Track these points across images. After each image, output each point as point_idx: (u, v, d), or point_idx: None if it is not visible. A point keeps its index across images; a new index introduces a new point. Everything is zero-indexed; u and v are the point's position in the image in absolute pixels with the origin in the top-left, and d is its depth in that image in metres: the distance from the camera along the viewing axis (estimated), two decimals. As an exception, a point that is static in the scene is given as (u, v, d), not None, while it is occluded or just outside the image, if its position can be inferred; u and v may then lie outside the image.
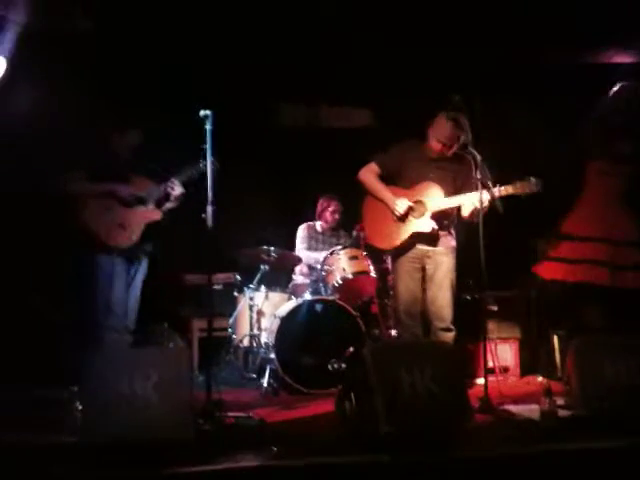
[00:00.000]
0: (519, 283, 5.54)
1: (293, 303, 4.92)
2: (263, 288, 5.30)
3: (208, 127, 3.73)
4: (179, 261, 5.65)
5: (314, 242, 5.86)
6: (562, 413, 3.43)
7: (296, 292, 5.43)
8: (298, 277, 5.78)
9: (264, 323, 5.17)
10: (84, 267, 4.41)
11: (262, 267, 5.31)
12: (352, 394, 3.28)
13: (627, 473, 2.96)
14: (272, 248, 5.20)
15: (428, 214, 4.42)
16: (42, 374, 4.42)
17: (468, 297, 5.08)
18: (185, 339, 5.50)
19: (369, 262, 5.09)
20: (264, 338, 5.05)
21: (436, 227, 4.43)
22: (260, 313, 5.22)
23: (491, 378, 4.11)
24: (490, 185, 4.10)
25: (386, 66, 5.78)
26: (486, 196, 4.10)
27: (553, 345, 5.16)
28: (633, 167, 4.76)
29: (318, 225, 5.94)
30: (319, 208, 5.92)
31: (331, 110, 6.64)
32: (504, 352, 5.32)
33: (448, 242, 4.56)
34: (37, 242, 4.92)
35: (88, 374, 3.12)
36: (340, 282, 4.99)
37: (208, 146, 3.76)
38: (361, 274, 5.04)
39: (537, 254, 5.24)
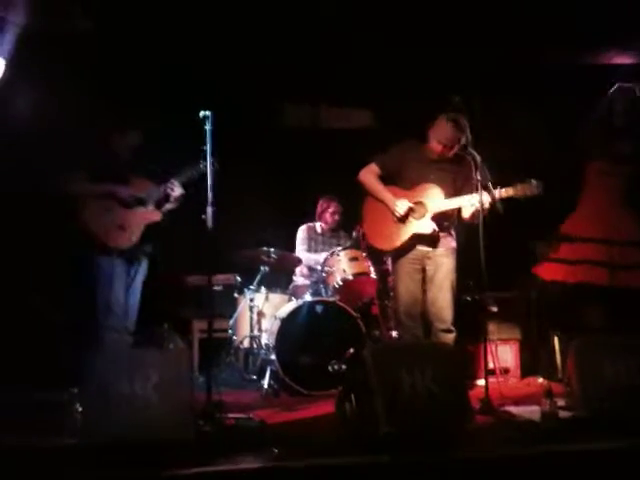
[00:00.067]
0: (519, 284, 5.53)
1: (293, 304, 4.91)
2: (263, 289, 5.29)
3: (208, 128, 3.73)
4: (179, 262, 5.65)
5: (314, 243, 5.86)
6: (563, 414, 3.43)
7: (296, 293, 5.43)
8: (298, 278, 5.78)
9: (264, 324, 5.17)
10: (84, 268, 4.41)
11: (262, 268, 5.31)
12: (352, 395, 3.28)
13: (628, 474, 2.96)
14: (272, 249, 5.20)
15: (428, 215, 4.42)
16: (42, 375, 4.41)
17: (468, 298, 5.08)
18: (185, 340, 5.49)
19: (369, 263, 5.09)
20: (264, 339, 5.04)
21: (436, 228, 4.43)
22: (260, 314, 5.22)
23: (491, 379, 4.10)
24: (490, 186, 4.10)
25: (386, 66, 5.78)
26: (486, 198, 4.10)
27: (553, 346, 5.16)
28: (633, 167, 4.76)
29: (318, 226, 5.93)
30: (319, 209, 5.91)
31: (331, 111, 6.64)
32: (504, 353, 5.31)
33: (448, 243, 4.55)
34: (37, 242, 4.91)
35: (88, 375, 3.11)
36: (340, 283, 4.99)
37: (208, 147, 3.76)
38: (361, 275, 5.04)
39: (537, 255, 5.24)
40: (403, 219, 4.48)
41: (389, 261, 5.12)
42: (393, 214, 4.49)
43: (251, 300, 5.18)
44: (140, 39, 5.31)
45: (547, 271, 5.03)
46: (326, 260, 5.16)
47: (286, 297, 5.35)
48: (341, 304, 4.89)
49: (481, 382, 4.45)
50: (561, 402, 3.50)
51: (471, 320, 4.72)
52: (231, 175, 4.16)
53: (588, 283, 4.75)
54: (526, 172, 4.21)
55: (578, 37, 5.42)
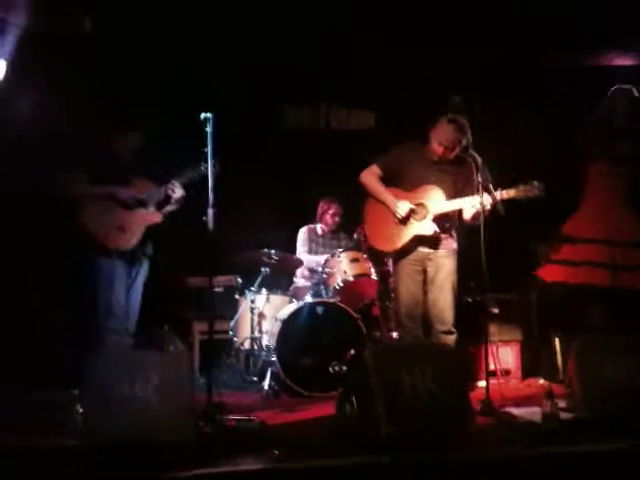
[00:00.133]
0: (520, 286, 5.53)
1: (294, 306, 4.91)
2: (264, 291, 5.29)
3: (209, 129, 3.73)
4: (180, 264, 5.65)
5: (315, 245, 5.86)
6: (564, 415, 3.43)
7: (297, 295, 5.43)
8: (299, 280, 5.78)
9: (265, 326, 5.17)
10: (85, 269, 4.41)
11: (263, 270, 5.30)
12: (353, 396, 3.28)
13: (629, 475, 2.96)
14: (273, 251, 5.20)
15: (430, 217, 4.42)
16: (43, 376, 4.41)
17: (469, 299, 5.08)
18: (186, 342, 5.49)
19: (370, 264, 5.09)
20: (265, 341, 5.04)
21: (438, 230, 4.42)
22: (261, 316, 5.22)
23: (492, 381, 4.09)
24: (491, 188, 4.10)
25: (387, 67, 5.79)
26: (487, 199, 4.10)
27: (554, 347, 5.15)
28: (634, 168, 4.76)
29: (319, 228, 5.93)
30: (319, 211, 5.91)
31: (332, 112, 6.64)
32: (505, 355, 5.31)
33: (449, 245, 4.55)
34: (38, 243, 4.91)
35: (89, 376, 3.11)
36: (341, 285, 4.99)
37: (209, 149, 3.76)
38: (362, 276, 5.05)
39: (538, 257, 5.23)
40: (404, 220, 4.48)
41: (390, 262, 5.12)
42: (394, 215, 4.49)
43: (252, 302, 5.18)
44: (141, 40, 5.33)
45: (548, 272, 5.02)
46: (327, 261, 5.17)
47: (287, 298, 5.35)
48: (342, 305, 4.89)
49: (482, 383, 4.45)
50: (562, 403, 3.50)
51: (472, 321, 4.72)
52: (232, 176, 4.17)
53: (590, 284, 4.74)
54: (527, 173, 4.21)
55: (579, 38, 5.43)
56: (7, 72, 4.57)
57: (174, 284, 5.74)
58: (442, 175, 4.46)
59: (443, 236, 4.51)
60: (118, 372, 3.11)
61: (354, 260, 5.06)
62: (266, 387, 4.65)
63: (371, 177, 4.63)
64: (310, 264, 5.68)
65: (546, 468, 2.96)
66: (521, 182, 4.15)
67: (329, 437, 3.41)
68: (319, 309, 4.86)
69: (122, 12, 5.01)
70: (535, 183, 4.11)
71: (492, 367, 4.86)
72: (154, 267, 4.63)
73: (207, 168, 3.78)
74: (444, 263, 4.50)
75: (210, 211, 3.68)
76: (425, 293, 4.54)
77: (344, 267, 5.02)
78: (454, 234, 4.60)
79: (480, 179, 4.08)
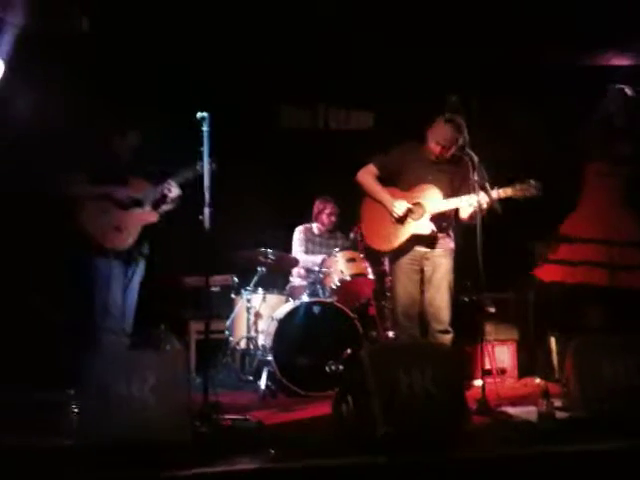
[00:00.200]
0: (517, 285, 5.54)
1: (291, 305, 4.91)
2: (260, 290, 5.29)
3: (205, 129, 3.73)
4: (177, 263, 5.65)
5: (311, 245, 5.85)
6: (560, 415, 3.43)
7: (293, 294, 5.42)
8: (295, 279, 5.77)
9: (261, 325, 5.16)
10: (82, 269, 4.41)
11: (259, 269, 5.30)
12: (350, 396, 3.28)
13: (626, 475, 2.96)
14: (270, 250, 5.20)
15: (427, 216, 4.42)
16: (39, 376, 4.41)
17: (466, 299, 5.08)
18: (182, 341, 5.48)
19: (367, 264, 5.09)
20: (261, 340, 5.04)
21: (435, 229, 4.43)
22: (257, 315, 5.21)
23: (489, 380, 4.10)
24: (487, 187, 4.11)
25: (385, 67, 5.79)
26: (484, 198, 4.11)
27: (550, 347, 5.16)
28: (632, 168, 4.76)
29: (315, 227, 5.93)
30: (315, 210, 5.91)
31: (329, 112, 6.64)
32: (502, 354, 5.32)
33: (446, 244, 4.56)
34: (37, 243, 4.91)
35: (85, 376, 3.11)
36: (338, 284, 4.99)
37: (205, 148, 3.76)
38: (359, 276, 5.04)
39: (535, 256, 5.24)
40: (401, 220, 4.48)
41: (386, 262, 5.13)
42: (391, 215, 4.50)
43: (248, 301, 5.18)
44: (138, 40, 5.32)
45: (546, 272, 5.02)
46: (323, 261, 5.17)
47: (283, 298, 5.34)
48: (338, 305, 4.89)
49: (478, 382, 4.45)
50: (558, 403, 3.50)
51: (468, 321, 4.73)
52: (229, 176, 4.16)
53: (587, 284, 4.73)
54: (524, 172, 4.22)
55: (577, 38, 5.43)
56: (5, 72, 4.56)
57: (170, 283, 5.74)
58: (439, 174, 4.46)
59: (440, 235, 4.51)
60: (115, 372, 3.10)
61: (351, 260, 5.06)
62: (262, 387, 4.65)
63: (368, 176, 4.64)
64: (307, 264, 5.67)
65: (542, 467, 2.96)
66: (518, 181, 4.15)
67: (325, 437, 3.40)
68: (316, 308, 4.86)
69: (119, 12, 5.00)
70: (532, 182, 4.12)
71: (488, 366, 4.87)
72: (150, 266, 4.63)
73: (203, 167, 3.77)
74: (441, 262, 4.51)
75: (206, 210, 3.68)
76: (422, 292, 4.54)
77: (341, 267, 5.02)
78: (451, 233, 4.60)
79: (477, 178, 4.09)
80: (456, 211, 4.47)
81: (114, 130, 4.51)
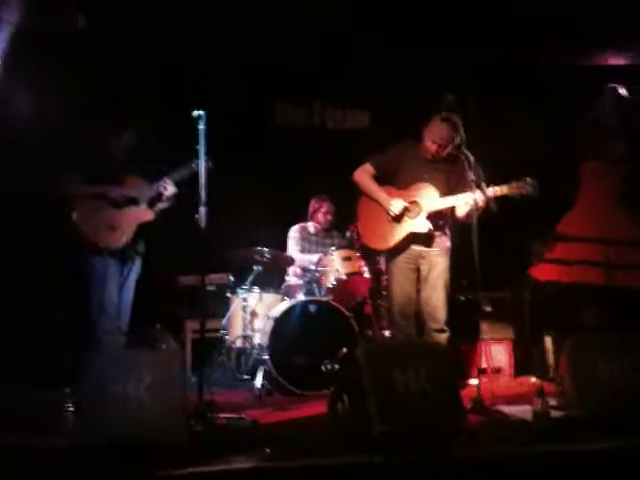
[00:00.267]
0: (513, 284, 5.54)
1: (286, 304, 4.91)
2: (256, 289, 5.28)
3: (201, 127, 3.72)
4: (172, 262, 5.63)
5: (307, 244, 5.84)
6: (555, 414, 3.43)
7: (289, 293, 5.42)
8: (291, 278, 5.76)
9: (257, 324, 5.16)
10: (77, 268, 4.40)
11: (255, 268, 5.29)
12: (345, 395, 3.28)
13: (621, 474, 2.96)
14: (265, 249, 5.19)
15: (423, 214, 4.42)
16: (35, 375, 4.40)
17: (462, 298, 5.09)
18: (178, 340, 5.48)
19: (363, 263, 5.09)
20: (257, 339, 5.03)
21: (432, 227, 4.43)
22: (253, 314, 5.20)
23: (484, 379, 4.10)
24: (483, 186, 4.11)
25: (381, 66, 5.79)
26: (481, 196, 4.11)
27: (546, 346, 5.17)
28: (628, 167, 4.77)
29: (311, 226, 5.92)
30: (311, 209, 5.90)
31: (325, 110, 6.64)
32: (497, 353, 5.31)
33: (443, 243, 4.56)
34: (34, 243, 4.90)
35: (81, 376, 3.10)
36: (334, 283, 4.99)
37: (201, 146, 3.75)
38: (355, 275, 5.05)
39: (532, 255, 5.24)
40: (398, 218, 4.49)
41: (382, 260, 5.13)
42: (388, 213, 4.50)
43: (244, 300, 5.17)
44: (134, 38, 5.31)
45: (542, 271, 5.03)
46: (320, 260, 5.16)
47: (279, 297, 5.34)
48: (334, 304, 4.89)
49: (474, 381, 4.45)
50: (553, 402, 3.50)
51: (464, 320, 4.73)
52: (224, 174, 4.15)
53: (583, 283, 4.75)
54: (521, 171, 4.22)
55: (573, 38, 5.43)
56: (0, 70, 4.55)
57: (166, 282, 5.72)
58: (436, 173, 4.47)
59: (437, 234, 4.51)
60: (111, 371, 3.10)
61: (347, 258, 5.06)
62: (258, 385, 4.64)
63: (364, 176, 4.64)
64: (303, 263, 5.66)
65: (537, 466, 2.96)
66: (514, 179, 4.16)
67: (321, 436, 3.40)
68: (311, 307, 4.86)
69: (116, 9, 4.99)
70: (528, 180, 4.13)
71: (484, 365, 4.87)
72: (146, 265, 4.62)
73: (199, 165, 3.77)
74: (437, 261, 4.51)
75: (202, 209, 3.67)
76: (418, 291, 4.55)
77: (337, 265, 5.01)
78: (447, 232, 4.60)
79: (473, 177, 4.09)
80: (452, 209, 4.47)
81: (109, 129, 4.50)
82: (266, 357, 4.67)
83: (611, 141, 4.85)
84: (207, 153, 3.78)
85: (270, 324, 4.80)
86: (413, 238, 4.48)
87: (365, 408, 3.06)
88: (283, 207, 6.05)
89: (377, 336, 5.38)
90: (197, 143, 3.75)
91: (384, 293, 5.27)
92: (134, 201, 4.44)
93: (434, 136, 4.40)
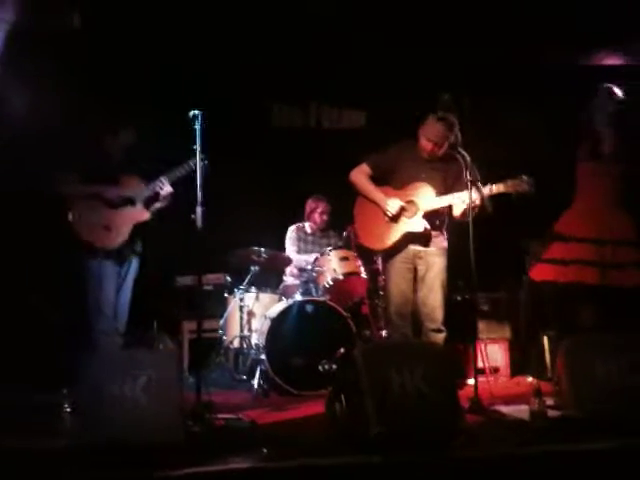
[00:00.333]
0: (509, 284, 5.55)
1: (284, 304, 4.91)
2: (253, 289, 5.28)
3: (197, 127, 3.72)
4: (169, 262, 5.62)
5: (303, 244, 5.84)
6: (552, 413, 3.44)
7: (287, 293, 5.41)
8: (288, 278, 5.76)
9: (254, 324, 5.15)
10: (74, 268, 4.39)
11: (252, 268, 5.29)
12: (342, 395, 3.27)
13: (617, 474, 2.96)
14: (263, 249, 5.19)
15: (420, 214, 4.43)
16: (32, 376, 4.38)
17: (459, 298, 5.09)
18: (175, 341, 5.48)
19: (360, 263, 5.09)
20: (254, 339, 5.03)
21: (428, 226, 4.44)
22: (250, 314, 5.20)
23: (481, 378, 4.11)
24: (480, 185, 4.11)
25: (378, 66, 5.79)
26: (476, 195, 4.11)
27: (543, 346, 5.17)
28: (623, 167, 4.77)
29: (307, 226, 5.92)
30: (307, 209, 5.89)
31: (323, 111, 6.63)
32: (494, 352, 5.32)
33: (440, 243, 4.56)
34: (32, 243, 4.88)
35: (78, 377, 3.10)
36: (331, 283, 4.98)
37: (197, 146, 3.75)
38: (352, 275, 5.04)
39: (530, 255, 5.25)
40: (395, 218, 4.49)
41: (379, 260, 5.13)
42: (385, 213, 4.50)
43: (241, 300, 5.16)
44: (130, 37, 5.29)
45: (538, 272, 5.03)
46: (316, 260, 5.16)
47: (276, 297, 5.33)
48: (331, 304, 4.89)
49: (471, 381, 4.45)
50: (550, 401, 3.51)
51: (461, 319, 4.73)
52: (221, 174, 4.15)
53: (579, 283, 4.75)
54: (517, 170, 4.22)
55: (569, 37, 5.44)
56: (-5, 68, 4.54)
57: (163, 282, 5.71)
58: (432, 172, 4.47)
59: (434, 234, 4.52)
60: (108, 372, 3.10)
61: (344, 258, 5.05)
62: (255, 386, 4.64)
63: (361, 176, 4.64)
64: (300, 263, 5.66)
65: (534, 466, 2.96)
66: (510, 177, 4.16)
67: (318, 436, 3.40)
68: (308, 307, 4.86)
69: (112, 8, 4.98)
70: (524, 177, 4.14)
71: (481, 365, 4.88)
72: (143, 265, 4.62)
73: (195, 164, 3.76)
74: (434, 261, 4.51)
75: (199, 209, 3.67)
76: (415, 291, 4.55)
77: (334, 265, 5.01)
78: (445, 232, 4.61)
79: (469, 177, 4.09)
80: (450, 209, 4.47)
81: (106, 129, 4.49)
82: (263, 357, 4.67)
83: (606, 141, 4.85)
84: (203, 152, 3.78)
85: (267, 324, 4.79)
86: (410, 238, 4.48)
87: (362, 408, 3.05)
88: (280, 207, 6.04)
89: (374, 336, 5.38)
90: (193, 143, 3.75)
91: (381, 293, 5.27)
92: (130, 201, 4.43)
93: (429, 134, 4.40)
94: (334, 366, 4.55)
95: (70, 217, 4.28)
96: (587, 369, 3.39)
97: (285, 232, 5.88)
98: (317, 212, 5.84)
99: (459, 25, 5.30)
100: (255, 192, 5.84)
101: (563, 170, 4.93)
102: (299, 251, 5.78)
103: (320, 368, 4.60)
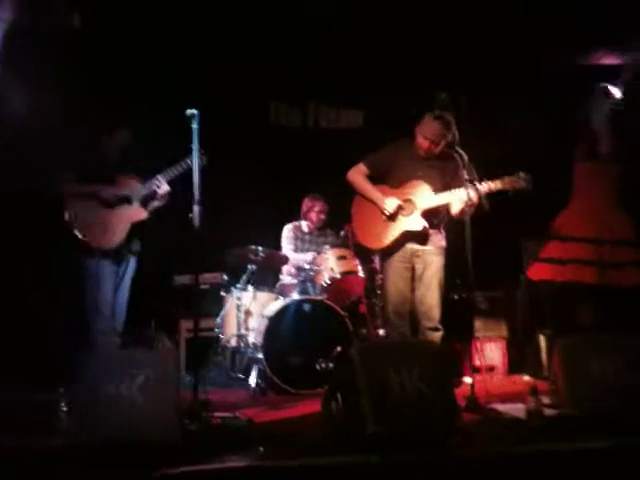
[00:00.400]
0: (507, 283, 5.55)
1: (281, 303, 4.91)
2: (251, 288, 5.28)
3: (195, 126, 3.72)
4: (166, 261, 5.63)
5: (300, 243, 5.84)
6: (548, 412, 3.44)
7: (284, 292, 5.42)
8: (286, 277, 5.76)
9: (252, 323, 5.16)
10: (71, 268, 4.40)
11: (250, 267, 5.29)
12: (339, 394, 3.28)
13: (614, 473, 2.97)
14: (260, 248, 5.19)
15: (418, 212, 4.43)
16: (29, 375, 4.39)
17: (456, 296, 5.09)
18: (172, 339, 5.48)
19: (357, 262, 5.09)
20: (252, 338, 5.03)
21: (426, 225, 4.44)
22: (248, 313, 5.20)
23: (478, 377, 4.11)
24: (477, 183, 4.12)
25: (376, 65, 5.79)
26: (474, 192, 4.11)
27: (539, 344, 5.18)
28: (621, 167, 4.78)
29: (304, 225, 5.91)
30: (304, 208, 5.89)
31: (321, 111, 6.63)
32: (491, 351, 5.33)
33: (438, 241, 4.56)
34: (30, 243, 4.88)
35: (76, 376, 3.10)
36: (328, 282, 4.99)
37: (195, 145, 3.75)
38: (349, 274, 5.05)
39: (527, 254, 5.25)
40: (393, 217, 4.49)
41: (377, 259, 5.13)
42: (382, 212, 4.50)
43: (238, 299, 5.17)
44: (129, 37, 5.30)
45: (535, 271, 5.04)
46: (314, 259, 5.17)
47: (273, 296, 5.33)
48: (329, 303, 4.89)
49: (467, 380, 4.46)
50: (546, 400, 3.51)
51: (458, 318, 4.74)
52: (218, 173, 4.15)
53: (577, 282, 4.76)
54: (514, 169, 4.23)
55: (566, 37, 5.44)
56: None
57: (160, 281, 5.71)
58: (429, 170, 4.47)
59: (432, 232, 4.52)
60: (105, 371, 3.10)
61: (341, 257, 5.06)
62: (252, 384, 4.64)
63: (358, 175, 4.65)
64: (297, 262, 5.65)
65: (531, 464, 2.97)
66: (507, 174, 4.17)
67: (315, 435, 3.41)
68: (306, 306, 4.86)
69: (111, 8, 4.98)
70: (521, 174, 4.14)
71: (477, 363, 4.89)
72: (141, 264, 4.62)
73: (192, 163, 3.76)
74: (432, 260, 4.52)
75: (196, 208, 3.67)
76: (412, 290, 4.55)
77: (331, 264, 5.02)
78: (443, 231, 4.61)
79: (466, 175, 4.10)
80: (447, 208, 4.47)
81: (102, 129, 4.49)
82: (260, 356, 4.67)
83: (603, 141, 4.86)
84: (201, 151, 3.78)
85: (264, 323, 4.80)
86: (408, 236, 4.49)
87: (359, 407, 3.06)
88: (277, 206, 6.04)
89: (371, 335, 5.38)
90: (191, 142, 3.75)
91: (379, 292, 5.28)
92: (127, 200, 4.43)
93: (426, 132, 4.41)
94: (331, 365, 4.56)
95: (66, 217, 4.28)
96: (583, 368, 3.40)
97: (282, 231, 5.88)
98: (314, 211, 5.84)
99: (457, 25, 5.31)
100: (252, 191, 5.84)
101: (561, 169, 4.94)
102: (296, 250, 5.78)
103: (317, 367, 4.60)
